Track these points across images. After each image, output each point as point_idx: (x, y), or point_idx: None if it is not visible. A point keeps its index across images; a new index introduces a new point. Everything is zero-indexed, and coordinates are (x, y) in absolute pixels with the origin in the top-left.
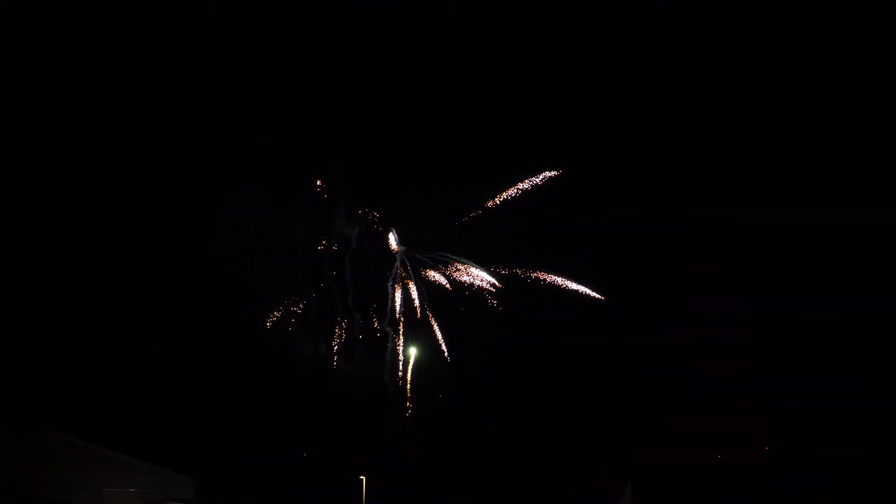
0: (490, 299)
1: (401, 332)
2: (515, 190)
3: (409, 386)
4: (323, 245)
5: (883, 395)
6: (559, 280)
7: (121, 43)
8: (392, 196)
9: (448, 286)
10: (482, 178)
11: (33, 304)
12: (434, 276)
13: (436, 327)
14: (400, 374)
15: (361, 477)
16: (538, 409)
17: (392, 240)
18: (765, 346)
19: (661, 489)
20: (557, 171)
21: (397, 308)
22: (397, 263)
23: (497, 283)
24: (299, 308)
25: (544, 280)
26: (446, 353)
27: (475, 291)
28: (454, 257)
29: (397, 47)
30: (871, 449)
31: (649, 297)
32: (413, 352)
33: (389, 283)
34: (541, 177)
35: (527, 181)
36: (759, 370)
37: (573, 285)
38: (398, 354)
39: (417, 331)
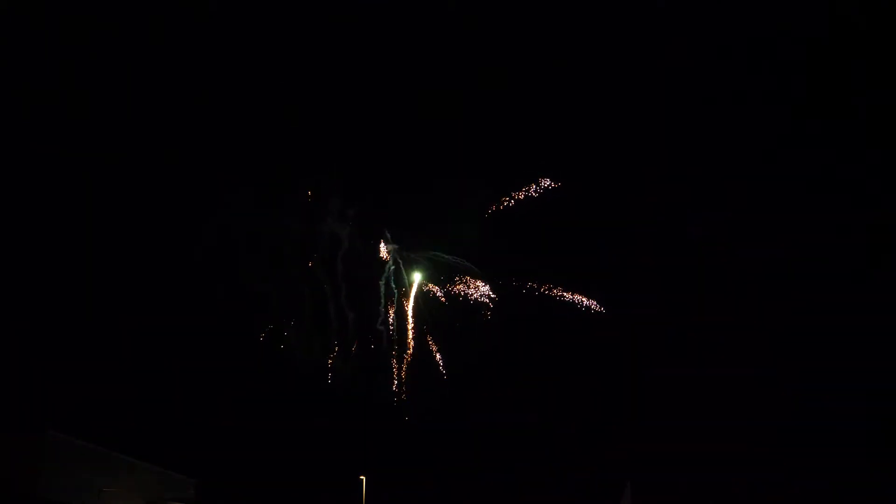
0: (486, 312)
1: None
2: (513, 194)
3: (411, 317)
4: (316, 251)
5: (884, 396)
6: (557, 289)
7: (121, 43)
8: (388, 196)
9: (443, 298)
10: (481, 178)
11: (33, 304)
12: (430, 285)
13: (430, 337)
14: (395, 381)
15: (361, 477)
16: (537, 410)
17: (383, 241)
18: (766, 346)
19: (661, 490)
20: (557, 184)
21: (391, 311)
22: (389, 263)
23: (492, 294)
24: (293, 318)
25: (542, 286)
26: (442, 366)
27: (471, 298)
28: (448, 257)
29: (397, 47)
30: (872, 450)
31: (649, 297)
32: (417, 277)
33: (382, 284)
34: (535, 186)
35: (523, 189)
36: (759, 370)
37: (571, 295)
38: (393, 362)
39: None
